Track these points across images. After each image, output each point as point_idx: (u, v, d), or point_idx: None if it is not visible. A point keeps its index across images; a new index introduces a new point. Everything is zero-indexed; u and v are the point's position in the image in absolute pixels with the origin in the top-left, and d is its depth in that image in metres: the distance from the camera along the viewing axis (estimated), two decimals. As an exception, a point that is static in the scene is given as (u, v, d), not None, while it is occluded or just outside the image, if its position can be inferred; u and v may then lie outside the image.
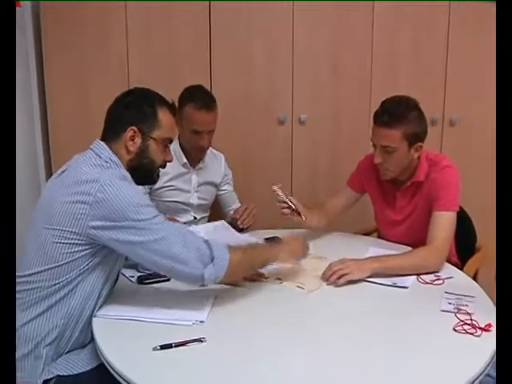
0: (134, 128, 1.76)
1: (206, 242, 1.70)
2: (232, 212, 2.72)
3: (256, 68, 3.14)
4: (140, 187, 1.73)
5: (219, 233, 2.41)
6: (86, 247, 1.64)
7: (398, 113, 2.17)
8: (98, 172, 1.65)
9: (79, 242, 1.63)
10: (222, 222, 2.56)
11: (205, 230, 2.35)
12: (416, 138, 2.22)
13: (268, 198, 3.16)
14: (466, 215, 2.56)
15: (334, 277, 1.98)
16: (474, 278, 2.38)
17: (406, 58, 3.27)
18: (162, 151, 1.85)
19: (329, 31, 3.17)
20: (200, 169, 2.69)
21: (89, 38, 2.93)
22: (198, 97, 2.49)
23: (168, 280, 1.99)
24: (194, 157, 2.63)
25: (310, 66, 3.18)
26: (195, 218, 2.72)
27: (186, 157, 2.60)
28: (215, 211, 2.89)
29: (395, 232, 2.45)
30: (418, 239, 2.24)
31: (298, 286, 1.97)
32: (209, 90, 2.99)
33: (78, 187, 1.61)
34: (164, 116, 1.81)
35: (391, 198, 2.44)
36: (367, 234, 2.81)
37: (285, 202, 2.33)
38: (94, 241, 1.64)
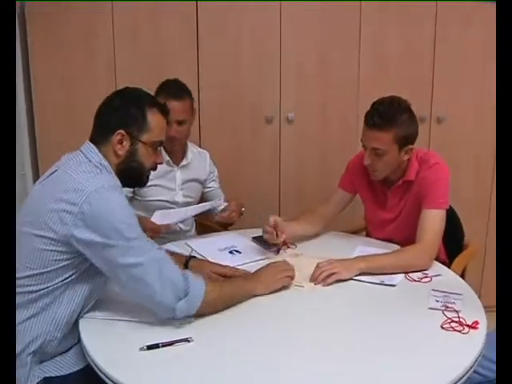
0: (121, 132, 1.71)
1: (184, 275, 1.64)
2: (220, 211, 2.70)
3: (244, 67, 3.13)
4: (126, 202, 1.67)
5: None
6: (69, 256, 1.60)
7: (389, 115, 2.15)
8: (86, 179, 1.60)
9: (62, 250, 1.59)
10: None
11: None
12: (406, 140, 2.20)
13: (255, 198, 3.21)
14: (454, 212, 2.55)
15: (324, 275, 1.98)
16: (462, 275, 2.40)
17: (394, 57, 3.27)
18: (152, 154, 1.80)
19: (316, 30, 3.16)
20: (184, 166, 2.69)
21: (75, 39, 2.90)
22: (168, 87, 2.51)
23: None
24: (170, 151, 2.61)
25: (297, 65, 3.17)
26: None
27: (168, 154, 2.59)
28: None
29: (386, 231, 2.45)
30: (409, 237, 2.24)
31: (297, 285, 1.96)
32: (196, 88, 3.03)
33: (65, 195, 1.57)
34: (154, 118, 1.76)
35: (382, 197, 2.43)
36: (355, 232, 2.81)
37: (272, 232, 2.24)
38: (76, 252, 1.60)
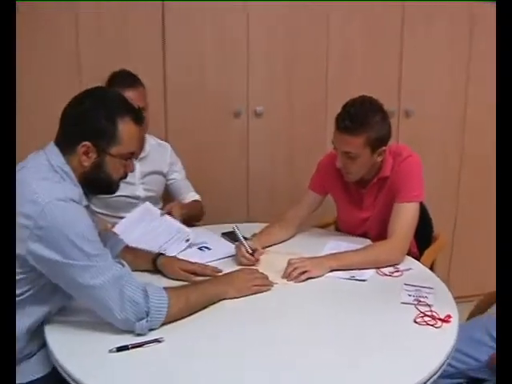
0: (87, 144, 1.58)
1: (145, 292, 1.55)
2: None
3: (209, 59, 3.07)
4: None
5: (143, 222, 2.38)
6: (26, 269, 1.52)
7: (361, 118, 2.08)
8: (43, 189, 1.50)
9: (20, 263, 1.50)
10: (145, 206, 2.49)
11: (129, 223, 2.35)
12: (379, 142, 2.15)
13: (223, 195, 3.18)
14: (423, 205, 2.55)
15: (297, 272, 1.95)
16: (431, 268, 2.40)
17: (361, 49, 3.25)
18: (122, 165, 1.69)
19: (284, 23, 3.12)
20: (143, 158, 2.63)
21: (40, 41, 2.80)
22: (120, 78, 2.46)
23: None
24: None
25: (265, 57, 3.13)
26: None
27: None
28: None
29: (363, 229, 2.42)
30: (383, 232, 2.21)
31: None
32: (162, 82, 2.98)
33: (22, 207, 1.47)
34: (125, 128, 1.62)
35: (357, 197, 2.38)
36: (326, 226, 2.80)
37: (240, 243, 2.14)
38: (31, 267, 1.51)
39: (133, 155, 1.73)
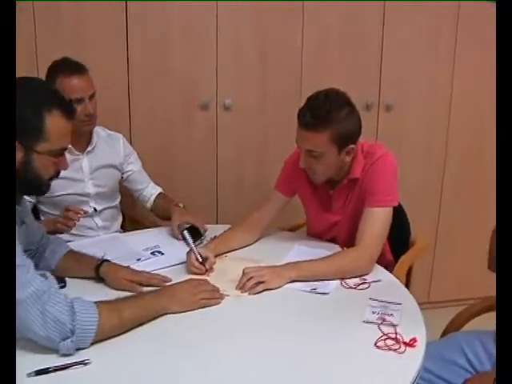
0: None
1: (70, 308, 1.40)
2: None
3: (176, 49, 2.89)
4: None
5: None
6: None
7: (324, 112, 1.90)
8: None
9: None
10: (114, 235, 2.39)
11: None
12: (347, 140, 1.97)
13: (191, 191, 3.02)
14: (401, 207, 2.37)
15: (251, 283, 1.78)
16: (408, 274, 2.27)
17: (339, 40, 3.07)
18: (53, 163, 1.56)
19: (256, 10, 2.93)
20: (90, 152, 2.45)
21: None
22: (67, 65, 2.28)
23: (63, 287, 1.79)
24: (80, 136, 2.37)
25: (235, 46, 2.95)
26: (95, 209, 2.47)
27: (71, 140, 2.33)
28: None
29: (333, 234, 2.25)
30: (353, 237, 2.04)
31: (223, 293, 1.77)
32: (126, 72, 2.82)
33: None
34: (54, 123, 1.49)
35: (326, 199, 2.20)
36: (296, 228, 2.63)
37: (191, 251, 1.96)
38: None
39: (65, 150, 1.59)
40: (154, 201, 2.59)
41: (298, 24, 2.98)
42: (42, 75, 2.35)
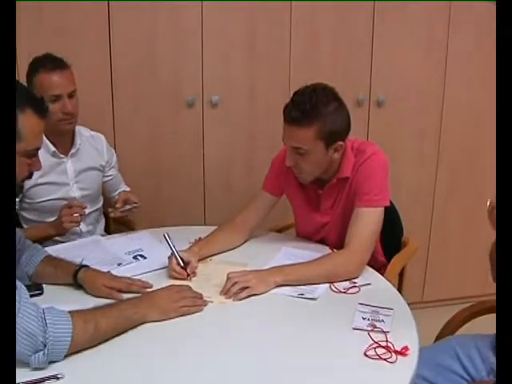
0: None
1: (42, 320, 1.33)
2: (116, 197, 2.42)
3: (160, 43, 2.80)
4: None
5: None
6: None
7: (310, 107, 1.83)
8: None
9: None
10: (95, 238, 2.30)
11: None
12: (334, 136, 1.89)
13: (177, 191, 2.95)
14: (393, 206, 2.29)
15: (236, 288, 1.71)
16: (401, 274, 2.23)
17: (329, 34, 2.98)
18: (26, 164, 1.51)
19: (243, 6, 2.84)
20: (74, 154, 2.36)
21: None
22: (45, 61, 2.21)
23: (40, 294, 1.73)
24: (63, 137, 2.31)
25: (221, 41, 2.86)
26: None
27: (53, 144, 2.25)
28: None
29: (322, 235, 2.17)
30: (343, 238, 1.97)
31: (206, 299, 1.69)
32: (108, 68, 2.73)
33: None
34: (27, 122, 1.44)
35: (314, 199, 2.12)
36: (286, 229, 2.54)
37: (172, 255, 1.88)
38: None
39: (38, 150, 1.55)
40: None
41: (286, 18, 2.90)
42: (22, 74, 2.27)
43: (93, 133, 2.49)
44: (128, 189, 2.57)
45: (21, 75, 2.41)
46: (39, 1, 2.57)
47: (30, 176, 1.57)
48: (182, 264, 1.84)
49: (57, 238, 2.23)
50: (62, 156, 2.31)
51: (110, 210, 2.29)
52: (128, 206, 2.27)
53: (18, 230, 1.87)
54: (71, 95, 2.23)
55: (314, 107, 1.83)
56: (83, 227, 2.37)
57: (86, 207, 2.19)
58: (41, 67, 2.19)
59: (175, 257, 1.85)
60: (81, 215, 2.14)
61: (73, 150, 2.34)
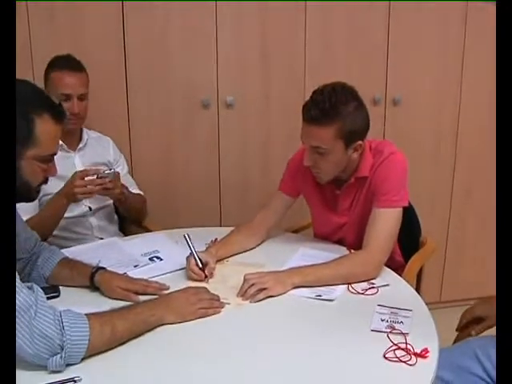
0: None
1: (59, 322, 1.32)
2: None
3: (175, 45, 2.80)
4: None
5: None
6: None
7: (330, 107, 1.81)
8: None
9: None
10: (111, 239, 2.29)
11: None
12: (354, 135, 1.87)
13: (192, 192, 2.95)
14: (411, 206, 2.27)
15: (253, 290, 1.69)
16: (419, 275, 2.21)
17: (344, 34, 2.97)
18: (42, 169, 1.51)
19: (257, 7, 2.84)
20: (82, 149, 2.42)
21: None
22: (63, 61, 2.30)
23: (57, 296, 1.72)
24: (71, 133, 2.35)
25: (236, 42, 2.86)
26: (90, 208, 2.40)
27: (61, 138, 2.26)
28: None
29: (340, 236, 2.15)
30: (362, 238, 1.95)
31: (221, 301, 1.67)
32: (123, 70, 2.73)
33: None
34: (44, 128, 1.45)
35: (332, 199, 2.10)
36: (300, 230, 2.53)
37: (191, 255, 1.87)
38: None
39: (53, 157, 1.54)
40: None
41: (301, 19, 2.89)
42: (37, 74, 2.31)
43: (100, 134, 2.55)
44: (141, 192, 2.59)
45: (36, 76, 2.45)
46: (52, 0, 2.58)
47: (45, 181, 1.57)
48: (200, 265, 1.84)
49: (69, 235, 2.28)
50: (70, 150, 2.36)
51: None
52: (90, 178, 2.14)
53: (34, 232, 1.88)
54: (81, 98, 2.29)
55: (334, 106, 1.81)
56: (94, 221, 2.42)
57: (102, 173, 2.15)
58: (57, 65, 2.27)
59: (194, 257, 1.84)
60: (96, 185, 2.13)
61: (80, 145, 2.40)
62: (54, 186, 2.20)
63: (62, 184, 2.19)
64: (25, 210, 2.03)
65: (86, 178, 2.10)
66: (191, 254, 1.86)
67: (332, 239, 2.18)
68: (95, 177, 2.12)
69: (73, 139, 2.39)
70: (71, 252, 1.97)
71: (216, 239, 2.12)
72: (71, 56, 2.32)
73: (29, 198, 1.57)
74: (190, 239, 1.88)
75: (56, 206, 2.17)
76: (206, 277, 1.83)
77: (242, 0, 2.79)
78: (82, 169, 2.32)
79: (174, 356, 1.40)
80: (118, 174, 2.25)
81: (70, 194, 2.12)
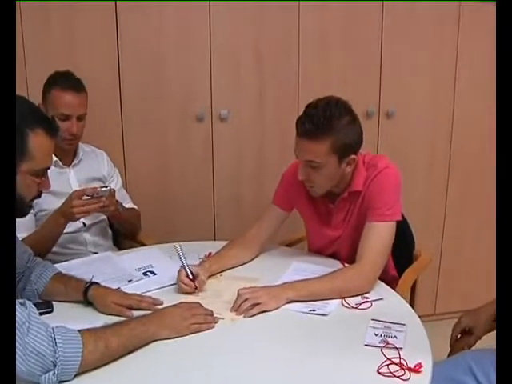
0: None
1: (51, 339, 1.31)
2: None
3: (169, 59, 2.80)
4: None
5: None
6: None
7: (324, 121, 1.81)
8: None
9: None
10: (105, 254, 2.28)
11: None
12: (347, 150, 1.88)
13: (186, 206, 2.95)
14: (404, 219, 2.27)
15: (246, 305, 1.68)
16: (413, 287, 2.19)
17: (337, 47, 2.98)
18: (36, 183, 1.53)
19: (250, 16, 2.85)
20: (76, 165, 2.41)
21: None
22: (64, 79, 2.26)
23: (50, 312, 1.71)
24: (65, 150, 2.34)
25: (229, 56, 2.86)
26: (85, 224, 2.38)
27: (55, 154, 2.25)
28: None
29: (334, 250, 2.15)
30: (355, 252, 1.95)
31: (215, 316, 1.66)
32: (117, 84, 2.73)
33: None
34: (37, 142, 1.46)
35: (325, 213, 2.10)
36: (297, 242, 2.53)
37: (182, 267, 1.87)
38: None
39: (47, 171, 1.56)
40: None
41: (294, 32, 2.90)
42: (31, 89, 2.29)
43: (94, 148, 2.53)
44: (134, 206, 2.58)
45: (29, 81, 2.50)
46: (46, 1, 2.57)
47: (39, 195, 1.57)
48: (190, 276, 1.83)
49: (62, 251, 2.26)
50: (64, 166, 2.35)
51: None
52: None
53: (27, 247, 1.87)
54: (80, 118, 2.27)
55: (328, 121, 1.81)
56: (87, 237, 2.40)
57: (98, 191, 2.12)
58: (57, 84, 2.24)
59: (185, 269, 1.84)
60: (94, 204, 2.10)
61: (75, 161, 2.39)
62: (49, 202, 2.20)
63: (57, 200, 2.18)
64: (23, 227, 2.03)
65: (83, 198, 2.09)
66: (182, 265, 1.86)
67: (326, 253, 2.18)
68: (92, 195, 2.11)
69: (68, 155, 2.37)
70: (65, 267, 1.96)
71: (210, 253, 2.12)
72: (72, 74, 2.30)
73: (21, 213, 1.57)
74: (181, 250, 1.88)
75: (54, 225, 2.15)
76: (195, 288, 1.82)
77: (237, 2, 2.80)
78: (76, 184, 2.33)
79: (167, 371, 1.39)
80: (114, 191, 2.23)
81: (67, 214, 2.10)
